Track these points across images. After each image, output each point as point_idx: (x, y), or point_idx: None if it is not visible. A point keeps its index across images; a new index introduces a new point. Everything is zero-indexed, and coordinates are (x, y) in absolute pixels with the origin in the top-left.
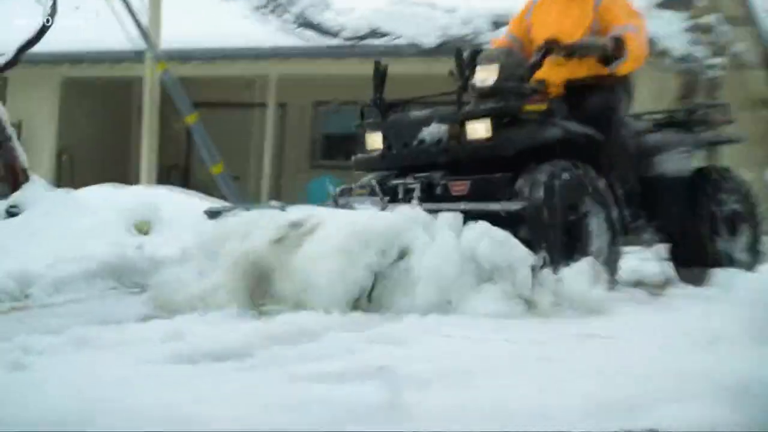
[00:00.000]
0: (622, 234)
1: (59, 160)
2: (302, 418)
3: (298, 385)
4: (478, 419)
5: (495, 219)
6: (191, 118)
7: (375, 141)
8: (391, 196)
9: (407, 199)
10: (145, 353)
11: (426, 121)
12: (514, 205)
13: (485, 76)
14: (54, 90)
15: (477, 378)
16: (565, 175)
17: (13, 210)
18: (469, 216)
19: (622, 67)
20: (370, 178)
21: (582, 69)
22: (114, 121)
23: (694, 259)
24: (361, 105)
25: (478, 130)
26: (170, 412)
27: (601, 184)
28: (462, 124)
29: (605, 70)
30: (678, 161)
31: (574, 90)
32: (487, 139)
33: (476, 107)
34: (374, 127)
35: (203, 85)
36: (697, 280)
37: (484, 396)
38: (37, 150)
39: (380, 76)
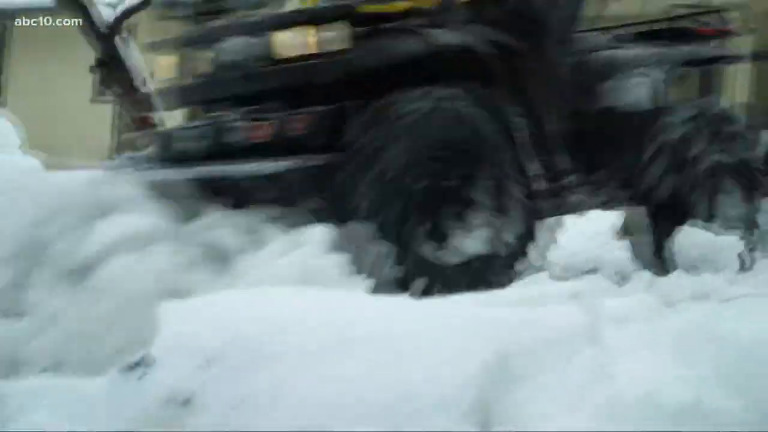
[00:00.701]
0: (534, 202)
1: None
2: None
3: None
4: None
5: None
6: None
7: (167, 67)
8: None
9: (184, 156)
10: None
11: (221, 36)
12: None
13: None
14: None
15: None
16: (422, 107)
17: None
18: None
19: None
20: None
21: None
22: None
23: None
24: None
25: (293, 44)
26: None
27: (492, 124)
28: (270, 37)
29: None
30: (637, 88)
31: None
32: (307, 58)
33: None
34: (163, 47)
35: None
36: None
37: None
38: None
39: None
